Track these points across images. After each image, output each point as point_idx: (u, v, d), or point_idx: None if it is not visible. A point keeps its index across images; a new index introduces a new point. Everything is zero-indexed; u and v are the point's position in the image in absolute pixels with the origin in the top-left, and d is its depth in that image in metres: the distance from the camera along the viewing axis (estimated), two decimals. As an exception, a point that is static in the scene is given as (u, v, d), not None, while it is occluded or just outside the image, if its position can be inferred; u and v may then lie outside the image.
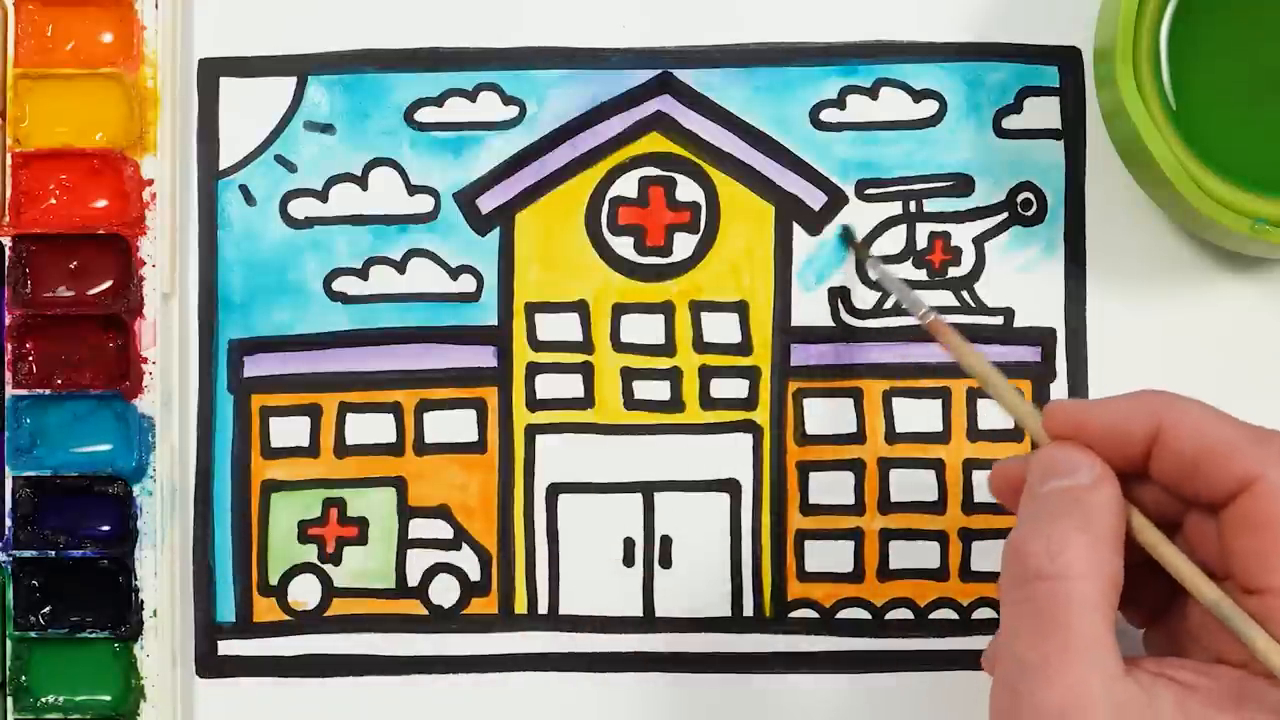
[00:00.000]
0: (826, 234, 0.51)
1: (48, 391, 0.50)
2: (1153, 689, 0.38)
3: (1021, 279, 0.51)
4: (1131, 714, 0.37)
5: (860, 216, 0.51)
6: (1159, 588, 0.42)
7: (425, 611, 0.51)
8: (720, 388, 0.51)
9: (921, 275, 0.51)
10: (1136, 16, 0.46)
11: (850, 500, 0.51)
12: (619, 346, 0.51)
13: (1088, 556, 0.39)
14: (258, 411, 0.51)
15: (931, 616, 0.51)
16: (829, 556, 0.51)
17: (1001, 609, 0.40)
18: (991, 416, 0.51)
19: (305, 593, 0.51)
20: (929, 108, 0.51)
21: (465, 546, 0.51)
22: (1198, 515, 0.41)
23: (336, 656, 0.51)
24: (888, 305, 0.51)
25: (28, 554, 0.50)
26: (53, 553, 0.50)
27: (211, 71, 0.52)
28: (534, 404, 0.51)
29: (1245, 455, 0.39)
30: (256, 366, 0.51)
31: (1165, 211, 0.50)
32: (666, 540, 0.51)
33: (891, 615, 0.51)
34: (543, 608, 0.51)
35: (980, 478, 0.51)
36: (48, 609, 0.50)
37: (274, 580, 0.51)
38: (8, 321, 0.50)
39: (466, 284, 0.51)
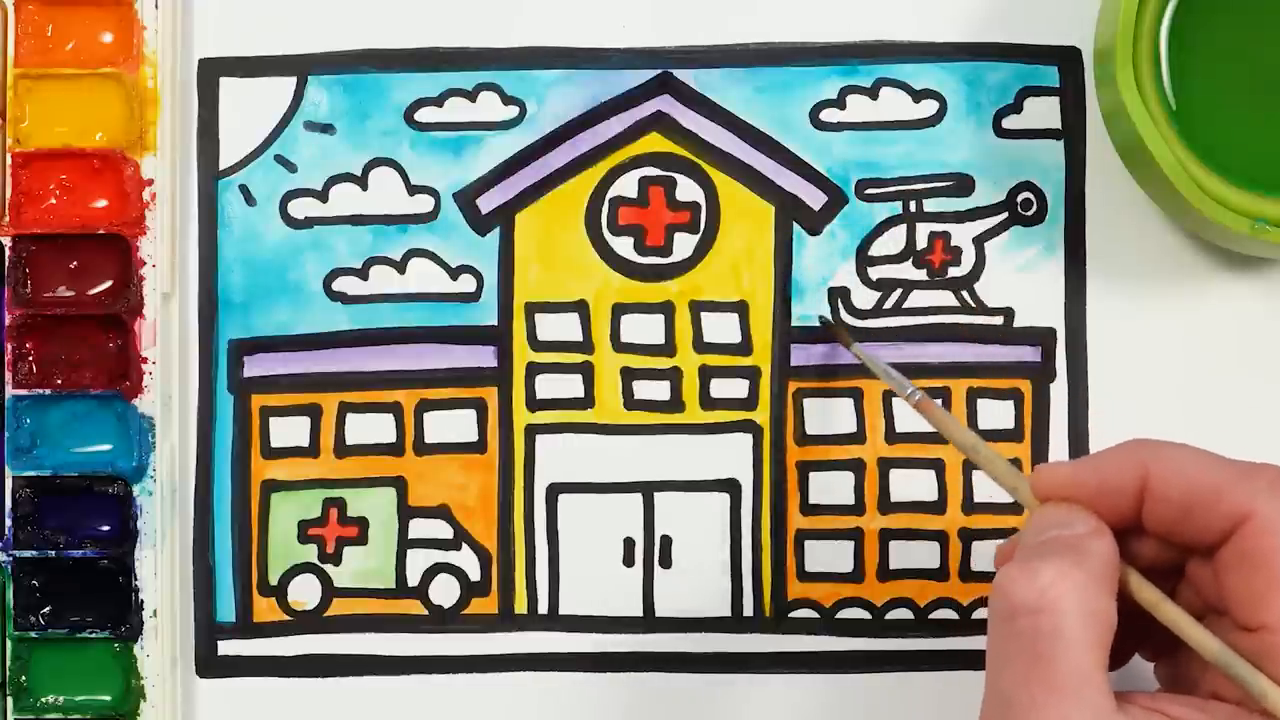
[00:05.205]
0: (827, 234, 0.51)
1: (48, 391, 0.50)
2: None
3: (1021, 279, 0.51)
4: None
5: (860, 216, 0.51)
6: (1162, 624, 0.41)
7: (425, 611, 0.51)
8: (720, 388, 0.51)
9: (921, 275, 0.51)
10: (1136, 17, 0.46)
11: (850, 500, 0.51)
12: (619, 346, 0.51)
13: (1079, 595, 0.38)
14: (258, 411, 0.51)
15: (931, 616, 0.51)
16: (829, 556, 0.51)
17: (987, 645, 0.39)
18: (991, 417, 0.51)
19: (305, 593, 0.51)
20: (929, 108, 0.51)
21: (465, 546, 0.51)
22: (1198, 559, 0.41)
23: (336, 656, 0.51)
24: (888, 305, 0.51)
25: (28, 554, 0.50)
26: (53, 553, 0.50)
27: (211, 71, 0.52)
28: (534, 404, 0.51)
29: (1233, 494, 0.38)
30: (256, 366, 0.51)
31: (1165, 211, 0.50)
32: (666, 540, 0.51)
33: (891, 615, 0.51)
34: (543, 608, 0.51)
35: (981, 477, 0.51)
36: (48, 609, 0.50)
37: (274, 580, 0.51)
38: (8, 321, 0.50)
39: (466, 284, 0.51)
